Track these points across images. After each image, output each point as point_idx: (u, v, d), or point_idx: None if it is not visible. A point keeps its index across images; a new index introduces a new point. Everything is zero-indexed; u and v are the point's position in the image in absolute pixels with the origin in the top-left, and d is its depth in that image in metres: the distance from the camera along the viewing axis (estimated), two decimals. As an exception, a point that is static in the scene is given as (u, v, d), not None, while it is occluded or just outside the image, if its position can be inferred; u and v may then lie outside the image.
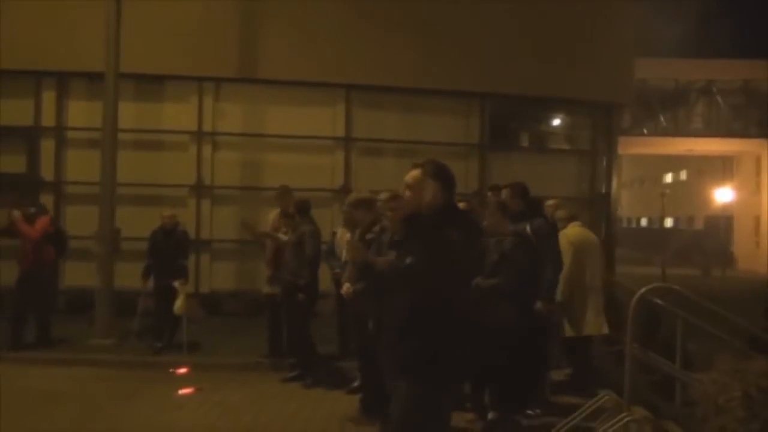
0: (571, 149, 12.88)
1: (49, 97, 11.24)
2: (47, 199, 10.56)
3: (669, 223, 39.61)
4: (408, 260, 3.24)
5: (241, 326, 9.39)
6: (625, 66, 12.15)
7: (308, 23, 11.05)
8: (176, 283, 7.96)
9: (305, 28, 11.03)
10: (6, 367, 7.43)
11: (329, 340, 7.90)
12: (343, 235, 6.99)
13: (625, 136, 21.30)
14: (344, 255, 6.62)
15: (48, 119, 11.24)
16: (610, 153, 12.57)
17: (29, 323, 8.34)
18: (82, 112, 11.04)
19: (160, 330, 8.22)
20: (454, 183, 3.41)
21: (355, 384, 6.63)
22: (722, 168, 32.21)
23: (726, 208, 31.12)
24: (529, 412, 5.91)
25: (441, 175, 3.36)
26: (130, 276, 8.75)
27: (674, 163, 37.72)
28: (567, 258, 6.61)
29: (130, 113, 10.51)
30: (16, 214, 8.21)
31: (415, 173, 3.39)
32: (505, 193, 6.49)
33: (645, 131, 29.47)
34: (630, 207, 44.28)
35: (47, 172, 11.18)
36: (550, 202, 7.31)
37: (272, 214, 8.04)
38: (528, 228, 6.08)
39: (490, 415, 5.62)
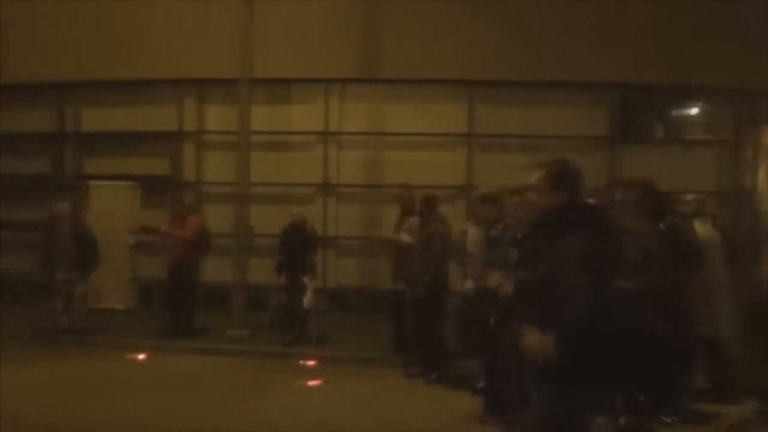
0: (711, 140, 11.99)
1: (190, 103, 12.04)
2: (189, 199, 11.26)
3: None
4: (542, 269, 3.13)
5: (366, 321, 9.59)
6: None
7: (428, 21, 11.07)
8: (305, 278, 8.27)
9: (426, 26, 11.06)
10: (153, 354, 8.06)
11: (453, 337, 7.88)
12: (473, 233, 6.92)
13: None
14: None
15: (189, 124, 12.04)
16: (755, 144, 11.60)
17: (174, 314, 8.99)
18: (219, 117, 11.72)
19: (291, 323, 8.58)
20: (582, 181, 3.25)
21: (481, 384, 6.55)
22: None
23: None
24: (665, 419, 5.59)
25: (567, 173, 3.21)
26: (263, 271, 9.19)
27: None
28: None
29: (262, 116, 10.99)
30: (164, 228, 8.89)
31: (540, 174, 3.25)
32: (640, 189, 6.16)
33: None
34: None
35: (189, 174, 11.99)
36: (690, 196, 6.87)
37: (395, 214, 8.09)
38: (662, 226, 5.77)
39: (622, 420, 5.39)
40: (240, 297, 9.25)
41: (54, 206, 8.97)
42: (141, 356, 7.97)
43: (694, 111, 12.39)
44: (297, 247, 8.56)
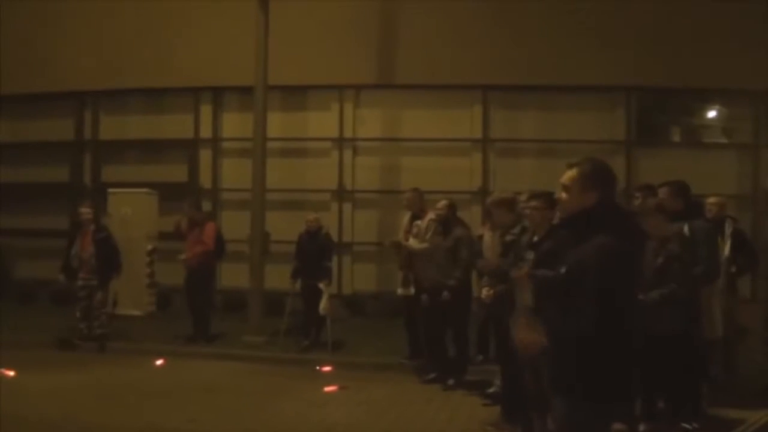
0: (728, 143, 11.87)
1: (206, 110, 12.15)
2: (206, 206, 11.32)
3: None
4: (562, 269, 3.02)
5: (382, 327, 9.59)
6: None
7: (443, 27, 11.08)
8: (321, 284, 8.30)
9: (440, 31, 11.07)
10: (169, 358, 8.13)
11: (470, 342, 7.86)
12: (489, 238, 6.90)
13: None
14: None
15: (206, 131, 12.14)
16: (774, 146, 11.47)
17: (190, 319, 9.06)
18: (236, 124, 11.82)
19: (307, 329, 8.61)
20: (615, 183, 3.13)
21: (491, 390, 6.51)
22: None
23: None
24: (685, 425, 5.52)
25: (600, 174, 3.08)
26: (279, 277, 9.23)
27: None
28: None
29: (277, 123, 11.08)
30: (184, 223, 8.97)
31: (571, 173, 3.10)
32: (663, 192, 6.12)
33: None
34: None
35: (205, 180, 12.08)
36: (712, 199, 6.81)
37: (404, 219, 8.04)
38: (686, 229, 5.72)
39: (642, 427, 5.34)
40: (256, 303, 9.29)
41: (77, 212, 9.07)
42: (159, 362, 8.03)
43: (711, 113, 12.28)
44: (312, 253, 8.58)
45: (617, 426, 5.48)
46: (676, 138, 12.18)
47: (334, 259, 9.68)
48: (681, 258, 5.30)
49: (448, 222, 7.24)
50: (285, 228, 10.05)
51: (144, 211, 9.85)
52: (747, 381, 6.65)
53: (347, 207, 11.72)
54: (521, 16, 11.01)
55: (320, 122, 11.84)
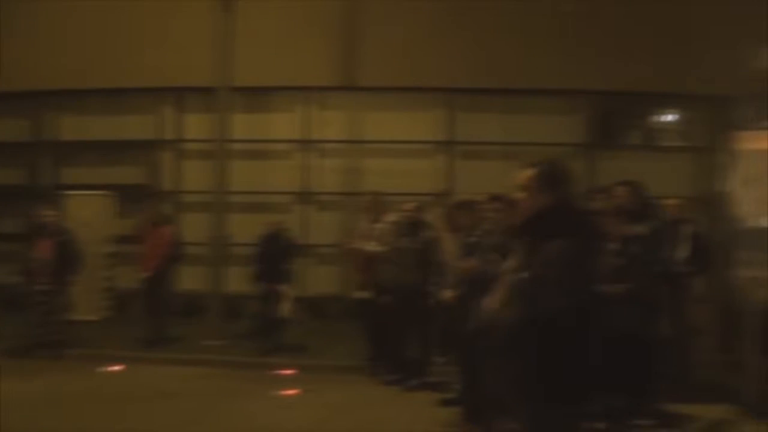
0: (685, 146, 12.15)
1: (167, 112, 11.97)
2: (166, 208, 11.14)
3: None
4: (525, 275, 2.97)
5: (343, 329, 9.51)
6: (745, 54, 11.32)
7: (408, 30, 11.09)
8: (282, 287, 8.23)
9: (405, 34, 11.08)
10: (128, 365, 7.97)
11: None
12: (449, 240, 6.91)
13: (747, 130, 19.90)
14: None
15: (167, 133, 11.96)
16: (728, 149, 11.75)
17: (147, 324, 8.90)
18: (198, 125, 11.65)
19: (268, 332, 8.52)
20: (571, 184, 3.13)
21: (450, 396, 6.50)
22: None
23: None
24: (642, 422, 5.61)
25: (553, 175, 3.08)
26: (240, 280, 9.13)
27: (806, 158, 34.85)
28: None
29: (240, 124, 10.93)
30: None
31: (526, 174, 3.10)
32: (621, 191, 6.21)
33: (771, 125, 27.41)
34: (754, 206, 41.28)
35: (167, 182, 11.89)
36: (671, 201, 6.95)
37: (362, 222, 7.93)
38: (644, 229, 5.82)
39: (601, 425, 5.39)
40: (216, 306, 9.17)
41: (35, 214, 8.86)
42: (116, 368, 7.86)
43: (668, 117, 12.55)
44: (274, 255, 8.51)
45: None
46: (635, 141, 12.41)
47: (297, 261, 9.60)
48: (641, 258, 5.37)
49: (416, 224, 7.24)
50: (248, 230, 9.92)
51: (102, 214, 9.67)
52: (701, 378, 6.78)
53: (311, 209, 11.66)
54: (485, 19, 11.09)
55: (283, 124, 11.77)
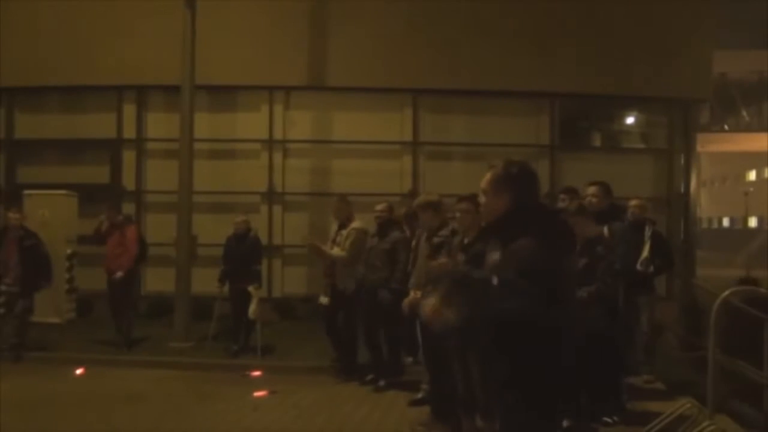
0: (646, 148, 12.47)
1: (129, 110, 11.75)
2: (129, 208, 11.02)
3: (753, 222, 37.74)
4: (494, 280, 2.81)
5: (312, 330, 9.49)
6: (703, 60, 11.67)
7: (373, 30, 11.12)
8: (250, 288, 8.16)
9: (371, 35, 11.10)
10: (90, 367, 7.82)
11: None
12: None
13: (704, 132, 20.45)
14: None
15: (129, 131, 11.74)
16: (687, 151, 12.10)
17: (113, 326, 8.76)
18: (161, 124, 11.49)
19: (236, 333, 8.45)
20: (535, 183, 3.03)
21: (419, 396, 6.53)
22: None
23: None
24: (606, 419, 5.73)
25: (512, 176, 2.96)
26: (206, 281, 9.03)
27: (758, 160, 35.96)
28: None
29: (205, 123, 10.85)
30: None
31: (488, 176, 3.01)
32: (592, 191, 6.34)
33: (726, 127, 28.24)
34: (711, 207, 42.48)
35: (129, 182, 11.69)
36: (634, 202, 7.11)
37: (332, 227, 7.82)
38: (606, 230, 5.94)
39: (565, 423, 5.50)
40: (183, 308, 9.05)
41: (3, 216, 8.64)
42: (79, 371, 7.71)
43: (630, 120, 12.89)
44: (241, 256, 8.43)
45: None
46: (597, 143, 12.71)
47: (264, 262, 9.55)
48: (606, 258, 5.50)
49: (385, 224, 7.25)
50: (213, 231, 9.85)
51: (63, 214, 9.41)
52: (663, 375, 6.97)
53: (277, 209, 11.60)
54: (451, 21, 11.18)
55: (249, 123, 11.67)
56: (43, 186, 10.23)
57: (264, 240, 10.03)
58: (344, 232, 7.44)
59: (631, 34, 11.12)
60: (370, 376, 7.25)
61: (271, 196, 11.56)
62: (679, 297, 10.80)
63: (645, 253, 6.82)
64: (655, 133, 12.42)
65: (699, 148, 13.16)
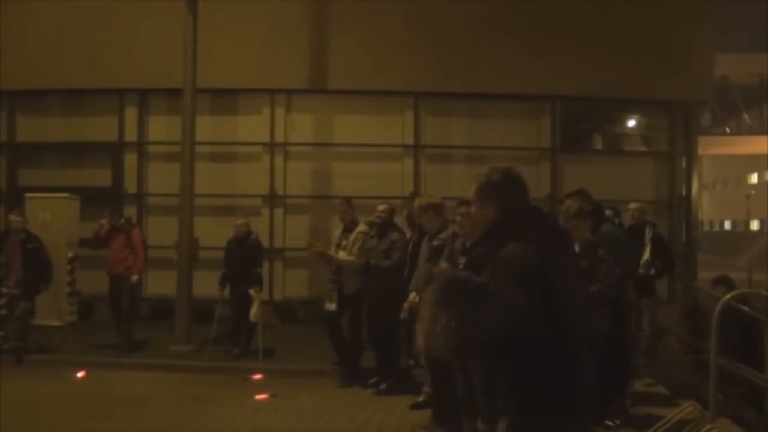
0: (647, 151, 12.46)
1: (131, 113, 11.76)
2: (130, 211, 11.03)
3: (755, 225, 37.70)
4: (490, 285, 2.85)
5: (314, 333, 9.48)
6: (704, 63, 11.67)
7: (374, 33, 11.12)
8: (251, 291, 8.16)
9: (373, 38, 11.11)
10: (91, 370, 7.82)
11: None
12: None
13: (706, 135, 20.47)
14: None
15: (131, 134, 11.76)
16: (689, 154, 12.10)
17: (114, 329, 8.76)
18: (162, 127, 11.50)
19: (237, 337, 8.45)
20: (520, 188, 2.95)
21: (421, 399, 6.51)
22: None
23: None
24: (609, 423, 5.72)
25: (495, 184, 2.91)
26: (207, 284, 9.03)
27: (760, 162, 35.96)
28: None
29: (206, 126, 10.85)
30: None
31: (473, 186, 2.97)
32: (576, 201, 6.33)
33: (727, 130, 28.27)
34: (712, 210, 42.47)
35: (130, 185, 11.70)
36: (634, 205, 7.11)
37: (337, 231, 7.81)
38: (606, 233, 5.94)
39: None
40: (184, 311, 9.05)
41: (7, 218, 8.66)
42: (80, 374, 7.71)
43: (631, 123, 12.88)
44: (242, 259, 8.43)
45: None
46: (599, 146, 12.70)
47: (265, 265, 9.54)
48: (606, 260, 5.49)
49: (385, 226, 7.25)
50: (215, 234, 9.84)
51: (64, 217, 9.42)
52: (664, 378, 6.96)
53: (278, 212, 11.59)
54: (452, 24, 11.19)
55: (251, 126, 11.68)
56: (44, 189, 10.25)
57: (265, 243, 10.02)
58: (351, 237, 7.42)
59: (632, 37, 11.11)
60: (373, 379, 7.23)
61: (272, 199, 11.56)
62: (681, 300, 10.79)
63: (646, 255, 6.82)
64: (657, 136, 12.41)
65: (700, 151, 13.16)
